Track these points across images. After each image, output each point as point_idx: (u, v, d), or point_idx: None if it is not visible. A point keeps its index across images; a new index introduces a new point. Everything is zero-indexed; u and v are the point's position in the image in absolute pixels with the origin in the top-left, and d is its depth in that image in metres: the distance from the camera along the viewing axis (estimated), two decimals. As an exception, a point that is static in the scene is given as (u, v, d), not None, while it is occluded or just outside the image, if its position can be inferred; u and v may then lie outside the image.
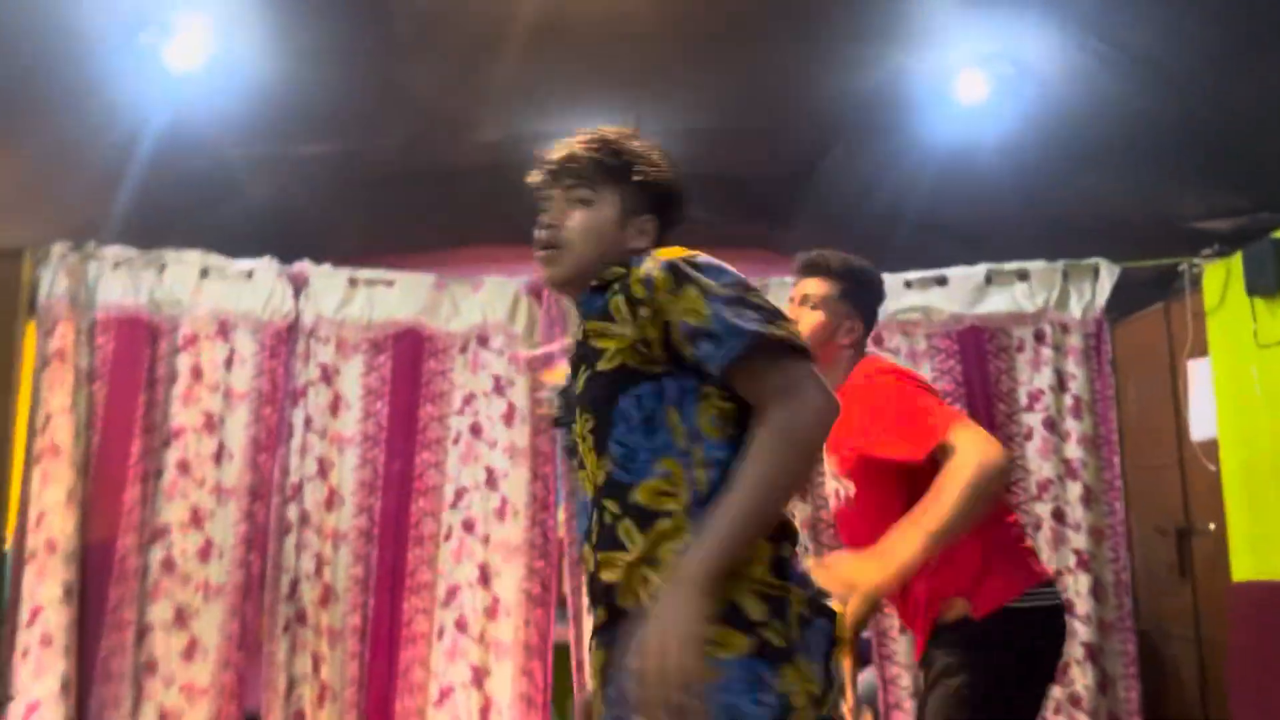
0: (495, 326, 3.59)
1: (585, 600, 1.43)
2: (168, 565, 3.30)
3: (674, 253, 1.41)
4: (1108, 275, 3.54)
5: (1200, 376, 3.64)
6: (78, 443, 3.33)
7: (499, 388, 3.54)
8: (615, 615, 1.36)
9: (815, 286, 2.31)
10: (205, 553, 3.34)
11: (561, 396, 1.53)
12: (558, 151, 1.56)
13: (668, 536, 1.33)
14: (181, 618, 3.27)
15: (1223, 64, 2.96)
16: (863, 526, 2.18)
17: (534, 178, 1.59)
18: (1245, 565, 3.40)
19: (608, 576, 1.36)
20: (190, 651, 3.25)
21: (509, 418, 3.52)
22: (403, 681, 3.37)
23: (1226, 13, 2.79)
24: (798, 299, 2.33)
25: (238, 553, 3.36)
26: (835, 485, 2.32)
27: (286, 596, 3.37)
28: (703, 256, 1.42)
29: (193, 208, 3.98)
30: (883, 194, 4.14)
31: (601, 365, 1.40)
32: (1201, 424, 3.63)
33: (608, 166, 1.52)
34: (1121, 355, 4.23)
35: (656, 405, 1.37)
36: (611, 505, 1.37)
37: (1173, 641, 3.92)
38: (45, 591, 3.23)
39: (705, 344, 1.33)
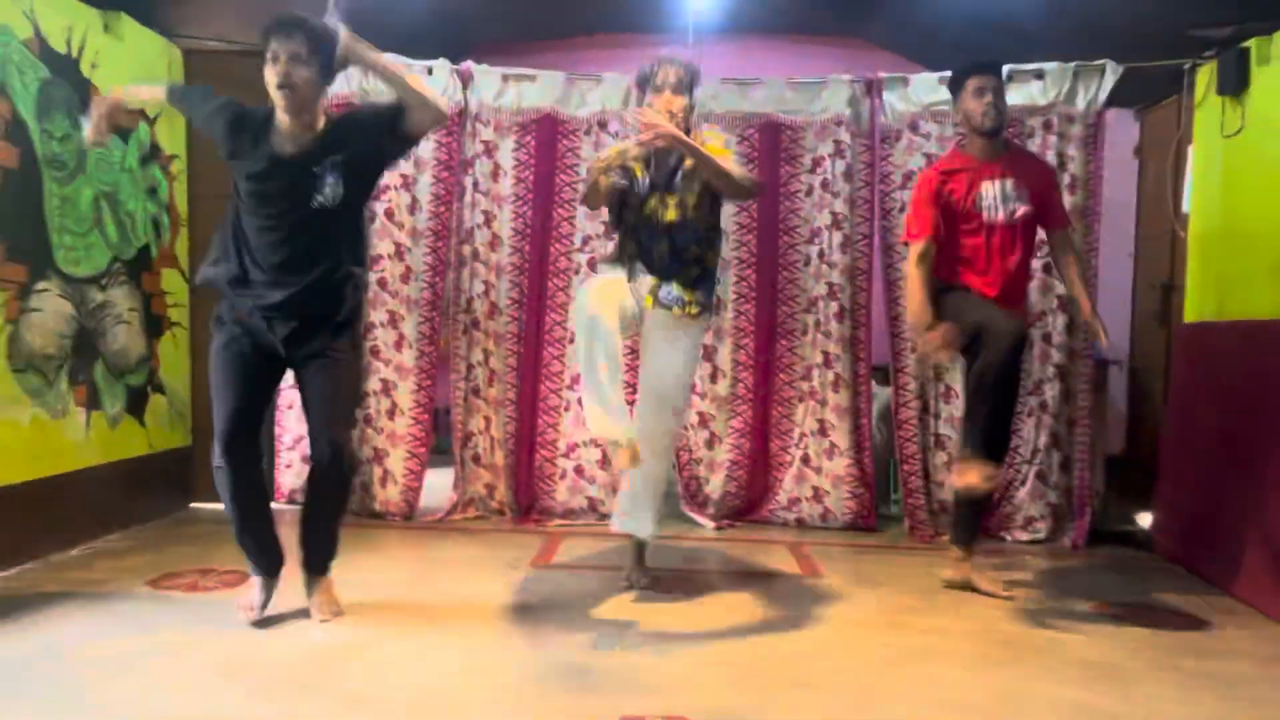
0: (612, 114, 4.58)
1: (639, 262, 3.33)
2: (381, 283, 4.60)
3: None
4: (1112, 74, 4.23)
5: (1190, 160, 4.37)
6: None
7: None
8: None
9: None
10: (406, 277, 4.60)
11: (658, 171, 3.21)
12: (680, 69, 3.27)
13: None
14: (393, 320, 4.60)
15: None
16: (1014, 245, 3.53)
17: (670, 75, 3.20)
18: (1195, 311, 4.27)
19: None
20: (399, 343, 4.61)
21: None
22: (545, 371, 4.68)
23: None
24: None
25: (427, 277, 4.60)
26: (1011, 205, 3.53)
27: (464, 309, 4.65)
28: None
29: (372, 13, 5.01)
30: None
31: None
32: (1188, 200, 4.40)
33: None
34: (1147, 140, 5.00)
35: None
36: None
37: (1155, 377, 4.87)
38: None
39: None
